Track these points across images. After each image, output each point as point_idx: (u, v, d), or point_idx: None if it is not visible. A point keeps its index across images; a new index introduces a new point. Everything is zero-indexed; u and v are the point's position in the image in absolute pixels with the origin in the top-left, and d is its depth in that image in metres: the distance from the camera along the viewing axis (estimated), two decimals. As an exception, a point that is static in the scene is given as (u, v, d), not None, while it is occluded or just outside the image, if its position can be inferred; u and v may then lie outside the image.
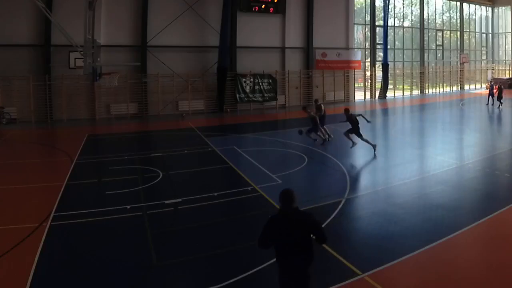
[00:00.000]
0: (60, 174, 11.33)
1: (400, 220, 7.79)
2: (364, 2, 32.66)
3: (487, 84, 27.47)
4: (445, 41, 38.54)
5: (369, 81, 33.10)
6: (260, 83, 26.68)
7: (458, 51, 39.02)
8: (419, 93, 35.84)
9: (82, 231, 7.63)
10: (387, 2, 31.40)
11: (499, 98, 23.84)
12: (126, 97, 23.42)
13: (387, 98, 32.39)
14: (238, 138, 17.06)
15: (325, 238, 4.31)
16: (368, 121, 14.50)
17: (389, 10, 32.31)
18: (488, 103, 25.28)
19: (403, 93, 34.84)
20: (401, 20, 35.70)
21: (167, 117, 23.12)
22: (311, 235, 4.30)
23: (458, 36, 39.43)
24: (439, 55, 38.56)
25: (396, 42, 35.52)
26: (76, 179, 10.97)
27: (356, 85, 32.35)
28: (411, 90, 35.79)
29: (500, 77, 39.62)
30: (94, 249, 6.88)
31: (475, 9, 40.50)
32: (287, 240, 4.22)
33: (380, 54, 33.00)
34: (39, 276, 5.91)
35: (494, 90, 24.89)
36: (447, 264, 6.11)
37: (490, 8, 41.25)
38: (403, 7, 35.52)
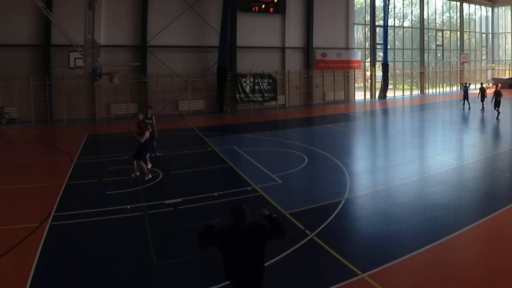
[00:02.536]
0: (60, 174, 11.33)
1: (400, 220, 7.79)
2: (364, 2, 32.66)
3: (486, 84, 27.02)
4: (445, 41, 38.54)
5: (369, 81, 33.10)
6: (260, 83, 26.67)
7: (458, 51, 39.01)
8: (419, 93, 35.84)
9: (82, 231, 7.63)
10: (387, 2, 31.40)
11: (482, 100, 23.19)
12: (126, 97, 23.41)
13: (387, 98, 32.39)
14: (238, 138, 17.06)
15: (282, 229, 4.21)
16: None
17: (389, 10, 32.31)
18: (463, 107, 24.03)
19: (403, 93, 34.84)
20: (401, 20, 35.70)
21: (167, 117, 23.10)
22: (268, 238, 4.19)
23: (458, 36, 39.44)
24: (439, 55, 38.56)
25: (396, 42, 35.52)
26: (76, 179, 10.97)
27: (356, 85, 32.35)
28: (411, 90, 35.79)
29: (500, 77, 39.63)
30: (94, 249, 6.88)
31: (475, 9, 40.51)
32: (238, 256, 4.12)
33: (380, 54, 33.00)
34: (39, 276, 5.92)
35: (471, 93, 23.90)
36: (447, 264, 6.12)
37: (490, 8, 41.26)
38: (403, 7, 35.52)
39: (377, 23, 32.78)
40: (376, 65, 33.14)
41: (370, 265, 6.01)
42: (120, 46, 22.98)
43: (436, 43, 37.82)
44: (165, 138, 17.84)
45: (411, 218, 7.93)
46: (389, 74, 32.89)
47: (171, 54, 24.28)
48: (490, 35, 41.94)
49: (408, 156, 13.25)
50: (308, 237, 7.06)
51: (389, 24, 32.82)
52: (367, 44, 33.18)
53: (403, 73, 35.15)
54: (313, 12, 28.50)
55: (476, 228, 7.39)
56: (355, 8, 31.93)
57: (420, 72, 35.98)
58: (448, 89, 38.15)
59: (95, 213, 8.41)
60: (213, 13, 24.96)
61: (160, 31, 23.63)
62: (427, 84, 36.61)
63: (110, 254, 6.70)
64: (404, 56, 35.75)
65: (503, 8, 40.59)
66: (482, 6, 40.77)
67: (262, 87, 26.74)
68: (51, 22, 18.48)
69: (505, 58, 41.77)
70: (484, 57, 42.35)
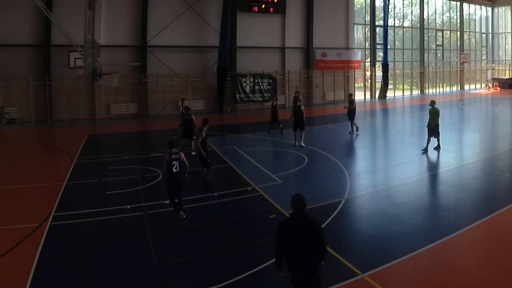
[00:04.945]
0: (60, 174, 11.33)
1: (400, 220, 7.79)
2: (364, 2, 32.66)
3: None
4: (445, 41, 38.53)
5: (369, 81, 33.11)
6: (260, 83, 26.68)
7: (458, 51, 39.01)
8: (419, 93, 35.84)
9: (82, 231, 7.63)
10: (387, 2, 31.39)
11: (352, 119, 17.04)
12: (126, 97, 23.42)
13: (387, 98, 32.39)
14: (238, 138, 17.06)
15: (325, 249, 4.35)
16: None
17: (389, 10, 32.31)
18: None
19: (403, 93, 34.84)
20: (401, 20, 35.70)
21: (167, 117, 23.10)
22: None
23: (458, 36, 39.43)
24: (439, 55, 38.55)
25: (396, 42, 35.52)
26: (76, 179, 10.97)
27: (356, 85, 32.36)
28: (411, 90, 35.78)
29: (500, 77, 39.63)
30: (94, 249, 6.89)
31: (475, 9, 40.50)
32: (295, 244, 4.30)
33: (380, 54, 32.99)
34: (39, 276, 5.92)
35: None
36: (447, 264, 6.12)
37: (490, 8, 41.24)
38: (403, 7, 35.52)
39: (377, 23, 32.77)
40: (376, 65, 33.14)
41: (370, 265, 6.02)
42: (120, 46, 22.98)
43: (436, 43, 37.81)
44: (165, 138, 17.87)
45: (411, 218, 7.93)
46: (389, 74, 32.89)
47: (171, 54, 24.29)
48: (490, 35, 41.92)
49: (408, 156, 13.24)
50: (308, 237, 7.05)
51: (389, 24, 32.82)
52: (367, 44, 33.18)
53: (403, 73, 35.15)
54: (313, 12, 28.51)
55: (476, 228, 7.39)
56: (355, 8, 31.93)
57: (420, 72, 35.98)
58: (448, 89, 38.16)
59: (95, 213, 8.41)
60: (213, 13, 24.97)
61: (160, 31, 23.64)
62: (427, 84, 36.61)
63: (110, 254, 6.71)
64: (404, 56, 35.74)
65: (503, 8, 40.58)
66: (482, 6, 40.76)
67: (262, 87, 26.75)
68: (51, 22, 18.48)
69: (505, 58, 41.75)
70: (484, 57, 42.34)
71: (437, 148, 13.50)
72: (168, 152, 7.99)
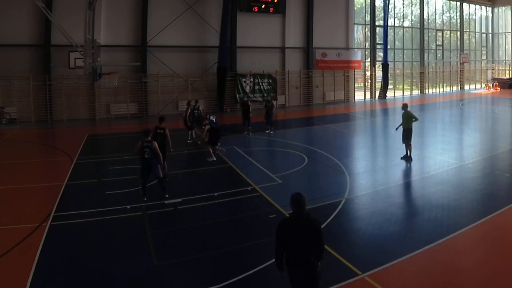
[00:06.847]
0: (60, 174, 11.33)
1: (400, 220, 7.80)
2: (364, 2, 32.66)
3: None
4: (445, 41, 38.53)
5: (369, 81, 33.11)
6: (260, 83, 26.68)
7: (458, 51, 39.01)
8: (419, 93, 35.85)
9: (82, 231, 7.63)
10: (387, 2, 31.39)
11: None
12: (126, 97, 23.41)
13: (387, 98, 32.39)
14: (238, 138, 17.05)
15: (323, 249, 4.35)
16: None
17: (389, 10, 32.30)
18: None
19: (403, 93, 34.83)
20: (401, 20, 35.70)
21: (167, 117, 23.00)
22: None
23: (458, 36, 39.43)
24: (439, 55, 38.54)
25: (396, 42, 35.51)
26: (76, 179, 10.97)
27: (356, 85, 32.36)
28: (411, 90, 35.78)
29: (500, 77, 39.63)
30: (94, 249, 6.89)
31: (475, 9, 40.50)
32: (295, 243, 4.31)
33: (380, 54, 32.99)
34: (39, 276, 5.92)
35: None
36: (447, 265, 6.12)
37: (490, 8, 41.24)
38: (403, 7, 35.51)
39: (377, 23, 32.77)
40: (376, 65, 33.15)
41: (370, 265, 6.02)
42: (120, 46, 22.97)
43: (436, 43, 37.80)
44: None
45: (411, 218, 7.94)
46: (389, 74, 32.89)
47: (171, 54, 24.28)
48: (490, 35, 41.92)
49: (408, 156, 13.22)
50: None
51: (389, 24, 32.81)
52: (367, 44, 33.18)
53: (403, 73, 35.15)
54: (313, 12, 28.51)
55: (476, 228, 7.39)
56: (355, 8, 31.93)
57: (420, 72, 35.98)
58: (448, 89, 38.17)
59: (95, 213, 8.41)
60: (213, 13, 24.97)
61: (160, 31, 23.64)
62: (427, 84, 36.61)
63: (110, 254, 6.71)
64: (404, 56, 35.74)
65: (503, 8, 40.57)
66: (482, 6, 40.75)
67: (262, 87, 26.75)
68: (51, 22, 18.48)
69: (505, 58, 41.74)
70: (484, 57, 42.34)
71: (407, 158, 12.17)
72: (142, 140, 9.04)
